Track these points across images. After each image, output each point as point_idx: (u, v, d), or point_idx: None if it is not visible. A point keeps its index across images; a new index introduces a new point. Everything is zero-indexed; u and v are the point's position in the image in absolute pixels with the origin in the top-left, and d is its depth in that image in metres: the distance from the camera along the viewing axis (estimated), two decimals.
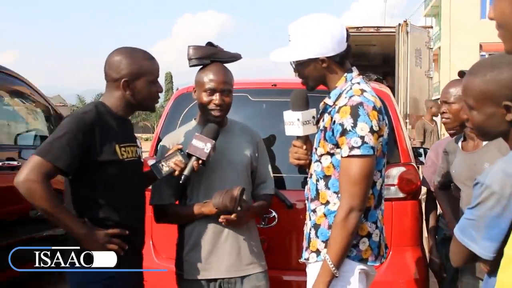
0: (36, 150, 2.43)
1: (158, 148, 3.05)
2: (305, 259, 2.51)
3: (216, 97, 2.86)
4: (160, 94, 2.75)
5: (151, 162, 3.05)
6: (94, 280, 2.51)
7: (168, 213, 2.96)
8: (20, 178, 2.34)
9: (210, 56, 2.93)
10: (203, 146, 2.74)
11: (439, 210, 3.75)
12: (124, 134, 2.64)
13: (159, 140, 3.33)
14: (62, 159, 2.39)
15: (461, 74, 3.39)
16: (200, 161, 2.75)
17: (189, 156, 2.76)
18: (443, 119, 3.38)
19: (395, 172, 3.40)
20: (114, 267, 2.52)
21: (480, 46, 33.77)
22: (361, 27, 10.48)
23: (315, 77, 2.50)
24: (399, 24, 10.10)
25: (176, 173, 2.75)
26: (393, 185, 3.38)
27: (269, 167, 3.11)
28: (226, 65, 2.99)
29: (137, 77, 2.60)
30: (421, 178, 3.61)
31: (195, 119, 3.05)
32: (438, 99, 3.94)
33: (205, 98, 2.88)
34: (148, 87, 2.63)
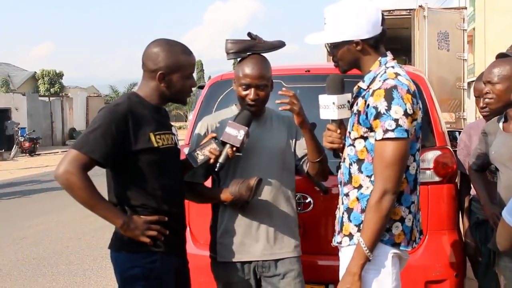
0: (73, 144, 2.53)
1: (194, 132, 3.11)
2: (337, 242, 2.53)
3: (250, 92, 2.88)
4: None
5: (187, 150, 3.10)
6: (137, 264, 2.59)
7: (195, 191, 3.00)
8: (59, 171, 2.45)
9: (248, 50, 2.95)
10: (236, 133, 2.77)
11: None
12: (158, 122, 2.70)
13: (195, 128, 3.37)
14: (98, 151, 2.48)
15: (500, 55, 3.34)
16: (235, 148, 2.78)
17: (223, 144, 2.79)
18: (486, 100, 3.32)
19: (430, 155, 3.38)
20: (152, 252, 2.60)
21: None
22: (393, 10, 10.38)
23: (348, 60, 2.50)
24: (413, 9, 9.97)
25: (211, 161, 2.79)
26: (429, 169, 3.36)
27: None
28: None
29: (173, 70, 2.64)
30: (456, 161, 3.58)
31: (236, 104, 3.07)
32: (474, 81, 3.88)
33: (241, 92, 2.91)
34: (183, 81, 2.68)
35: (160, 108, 2.77)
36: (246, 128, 2.78)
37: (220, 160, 2.78)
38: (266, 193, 2.92)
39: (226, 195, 2.85)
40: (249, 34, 2.99)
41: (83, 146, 2.48)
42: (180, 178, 2.83)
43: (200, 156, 2.81)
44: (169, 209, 2.68)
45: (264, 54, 2.99)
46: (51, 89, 41.15)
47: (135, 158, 2.58)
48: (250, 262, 2.92)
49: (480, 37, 34.88)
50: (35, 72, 43.36)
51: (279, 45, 3.04)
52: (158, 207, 2.63)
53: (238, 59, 2.98)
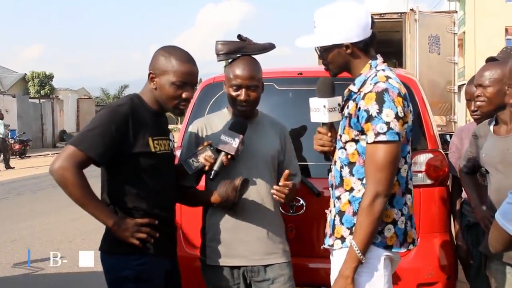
0: (70, 140, 2.53)
1: (185, 135, 3.11)
2: (329, 245, 2.54)
3: (241, 93, 2.88)
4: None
5: (178, 152, 3.10)
6: (127, 266, 2.59)
7: (187, 194, 2.99)
8: (54, 166, 2.45)
9: (238, 51, 2.95)
10: (231, 141, 2.78)
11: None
12: (157, 127, 2.71)
13: (187, 130, 3.37)
14: (95, 149, 2.48)
15: (490, 60, 3.38)
16: (229, 156, 2.79)
17: (218, 151, 2.80)
18: (478, 103, 3.34)
19: (422, 158, 3.39)
20: (142, 254, 2.60)
21: (506, 30, 33.27)
22: (385, 13, 10.44)
23: (338, 63, 2.51)
24: (404, 13, 10.06)
25: (206, 168, 2.80)
26: (421, 171, 3.37)
27: (296, 160, 3.14)
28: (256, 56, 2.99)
29: (160, 73, 2.64)
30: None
31: (227, 107, 3.07)
32: (464, 84, 3.90)
33: (231, 93, 2.91)
34: (172, 88, 2.63)
35: (161, 113, 2.77)
36: (241, 136, 2.79)
37: (215, 167, 2.79)
38: (255, 197, 2.91)
39: (215, 197, 2.85)
40: (239, 36, 3.00)
41: (80, 143, 2.49)
42: (172, 183, 2.83)
43: (195, 163, 2.81)
44: (160, 213, 2.68)
45: (255, 56, 2.99)
46: (42, 91, 40.90)
47: (132, 160, 2.59)
48: (239, 267, 2.91)
49: (470, 40, 35.05)
50: (25, 74, 43.13)
51: (269, 47, 3.06)
52: (149, 210, 2.64)
53: (229, 61, 2.98)
